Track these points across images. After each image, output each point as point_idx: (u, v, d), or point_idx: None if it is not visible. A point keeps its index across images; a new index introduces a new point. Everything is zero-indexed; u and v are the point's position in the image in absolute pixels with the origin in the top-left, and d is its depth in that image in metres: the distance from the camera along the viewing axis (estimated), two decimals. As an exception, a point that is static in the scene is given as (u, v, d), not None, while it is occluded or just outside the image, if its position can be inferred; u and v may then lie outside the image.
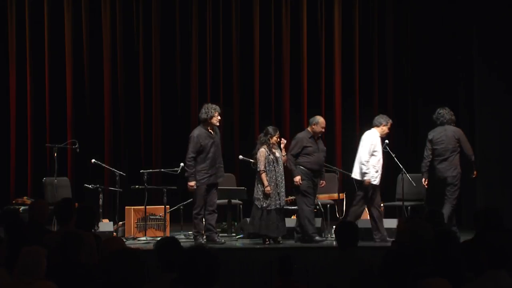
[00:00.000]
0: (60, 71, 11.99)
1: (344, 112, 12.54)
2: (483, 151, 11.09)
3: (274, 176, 9.25)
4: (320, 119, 9.60)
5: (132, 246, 8.77)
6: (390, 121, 9.76)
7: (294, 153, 9.48)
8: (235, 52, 12.45)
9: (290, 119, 12.49)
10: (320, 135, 9.65)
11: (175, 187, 10.22)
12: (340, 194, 10.49)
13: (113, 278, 4.02)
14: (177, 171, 10.21)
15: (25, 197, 10.44)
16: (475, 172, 9.98)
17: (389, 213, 10.39)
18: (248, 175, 11.55)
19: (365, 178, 9.42)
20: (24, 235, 6.03)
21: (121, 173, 10.30)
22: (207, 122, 9.27)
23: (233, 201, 10.32)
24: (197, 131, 9.29)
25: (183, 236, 9.87)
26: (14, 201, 10.39)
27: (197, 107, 12.28)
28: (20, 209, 9.71)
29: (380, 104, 12.67)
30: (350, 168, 9.81)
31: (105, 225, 9.64)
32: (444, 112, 9.85)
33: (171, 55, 12.33)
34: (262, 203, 9.17)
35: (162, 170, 10.61)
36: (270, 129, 9.39)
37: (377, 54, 12.68)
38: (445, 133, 9.77)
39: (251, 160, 10.65)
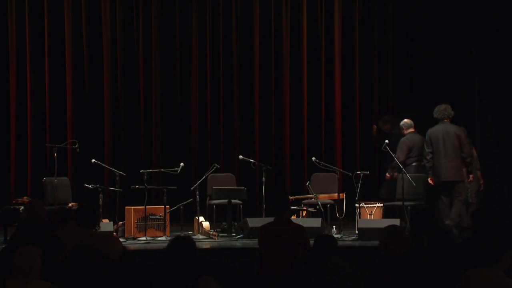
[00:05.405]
0: (60, 71, 11.98)
1: (344, 112, 12.53)
2: (483, 150, 11.09)
3: None
4: None
5: (131, 246, 8.79)
6: None
7: None
8: (235, 52, 12.44)
9: (290, 119, 12.48)
10: None
11: (175, 187, 10.20)
12: (340, 194, 10.47)
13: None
14: (177, 171, 10.21)
15: (25, 197, 10.41)
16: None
17: (389, 213, 10.39)
18: (248, 175, 11.58)
19: None
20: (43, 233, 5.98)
21: (121, 173, 10.29)
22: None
23: (233, 201, 10.30)
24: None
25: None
26: (14, 201, 10.36)
27: (197, 107, 12.30)
28: (20, 209, 9.70)
29: (381, 104, 12.67)
30: (350, 168, 9.77)
31: (105, 225, 9.62)
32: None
33: (171, 55, 12.32)
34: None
35: (162, 170, 10.60)
36: None
37: (377, 54, 12.67)
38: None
39: (251, 160, 10.68)
